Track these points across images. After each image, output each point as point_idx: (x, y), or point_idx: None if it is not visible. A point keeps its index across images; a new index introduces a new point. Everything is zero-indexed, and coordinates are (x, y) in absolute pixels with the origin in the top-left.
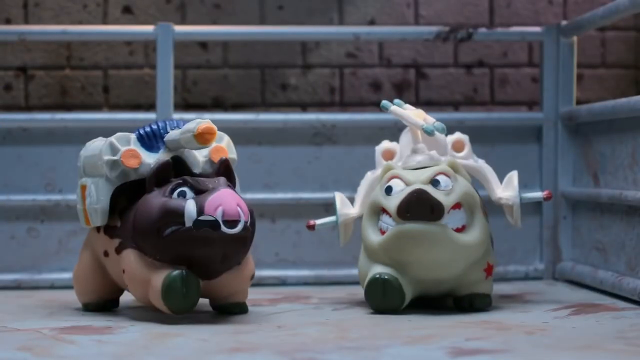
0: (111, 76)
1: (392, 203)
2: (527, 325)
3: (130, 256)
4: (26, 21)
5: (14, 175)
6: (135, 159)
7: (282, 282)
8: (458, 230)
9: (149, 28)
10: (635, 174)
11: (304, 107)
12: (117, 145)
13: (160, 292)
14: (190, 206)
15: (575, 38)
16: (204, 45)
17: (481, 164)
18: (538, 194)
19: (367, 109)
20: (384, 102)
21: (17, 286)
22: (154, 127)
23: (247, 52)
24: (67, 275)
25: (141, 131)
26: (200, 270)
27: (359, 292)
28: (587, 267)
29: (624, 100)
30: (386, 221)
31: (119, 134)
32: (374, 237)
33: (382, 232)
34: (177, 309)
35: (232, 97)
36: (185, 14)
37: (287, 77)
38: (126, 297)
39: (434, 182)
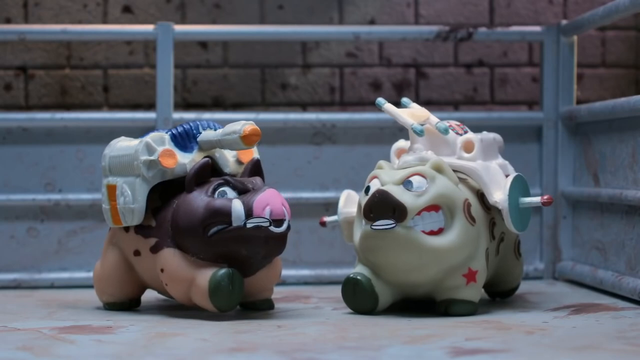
0: (111, 76)
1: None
2: (527, 325)
3: (170, 255)
4: (26, 21)
5: (14, 175)
6: (172, 158)
7: (282, 282)
8: (432, 232)
9: (149, 27)
10: (635, 174)
11: (304, 106)
12: (153, 145)
13: (207, 290)
14: (237, 206)
15: (575, 38)
16: (204, 45)
17: (491, 165)
18: (536, 199)
19: (367, 108)
20: (379, 100)
21: (17, 286)
22: (187, 127)
23: (247, 52)
24: (67, 275)
25: (174, 131)
26: (239, 268)
27: None
28: (587, 266)
29: (624, 100)
30: (363, 221)
31: (153, 133)
32: (357, 237)
33: None
34: (224, 307)
35: (232, 97)
36: (185, 14)
37: (287, 77)
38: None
39: (406, 183)
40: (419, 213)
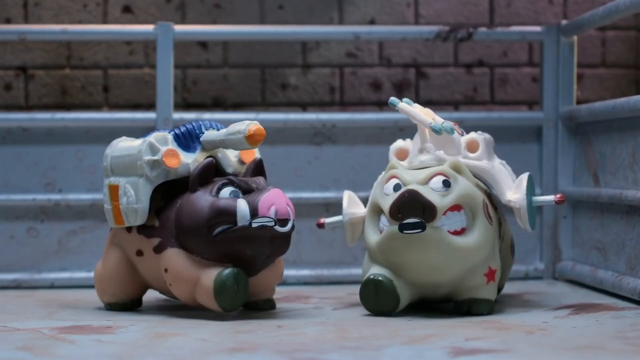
0: (111, 76)
1: (387, 203)
2: (527, 325)
3: (174, 255)
4: (26, 21)
5: (14, 175)
6: (175, 158)
7: (282, 282)
8: (456, 232)
9: (149, 27)
10: (635, 174)
11: (304, 106)
12: (157, 145)
13: (212, 290)
14: (242, 205)
15: (575, 38)
16: (204, 45)
17: (495, 164)
18: (549, 198)
19: (367, 108)
20: (392, 99)
21: (17, 286)
22: (189, 127)
23: (247, 52)
24: (67, 275)
25: (177, 131)
26: (243, 268)
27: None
28: (587, 266)
29: (624, 100)
30: (384, 222)
31: (156, 133)
32: (373, 237)
33: (381, 233)
34: (229, 306)
35: (232, 97)
36: (185, 14)
37: (287, 77)
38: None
39: (445, 182)
40: (444, 213)
